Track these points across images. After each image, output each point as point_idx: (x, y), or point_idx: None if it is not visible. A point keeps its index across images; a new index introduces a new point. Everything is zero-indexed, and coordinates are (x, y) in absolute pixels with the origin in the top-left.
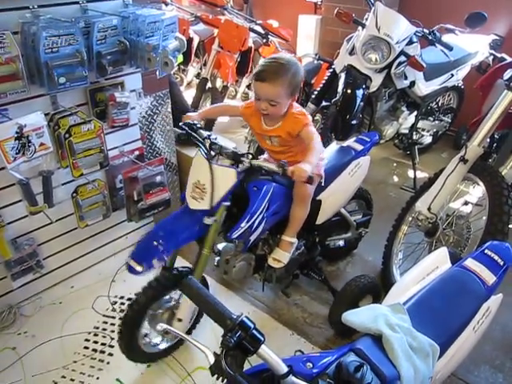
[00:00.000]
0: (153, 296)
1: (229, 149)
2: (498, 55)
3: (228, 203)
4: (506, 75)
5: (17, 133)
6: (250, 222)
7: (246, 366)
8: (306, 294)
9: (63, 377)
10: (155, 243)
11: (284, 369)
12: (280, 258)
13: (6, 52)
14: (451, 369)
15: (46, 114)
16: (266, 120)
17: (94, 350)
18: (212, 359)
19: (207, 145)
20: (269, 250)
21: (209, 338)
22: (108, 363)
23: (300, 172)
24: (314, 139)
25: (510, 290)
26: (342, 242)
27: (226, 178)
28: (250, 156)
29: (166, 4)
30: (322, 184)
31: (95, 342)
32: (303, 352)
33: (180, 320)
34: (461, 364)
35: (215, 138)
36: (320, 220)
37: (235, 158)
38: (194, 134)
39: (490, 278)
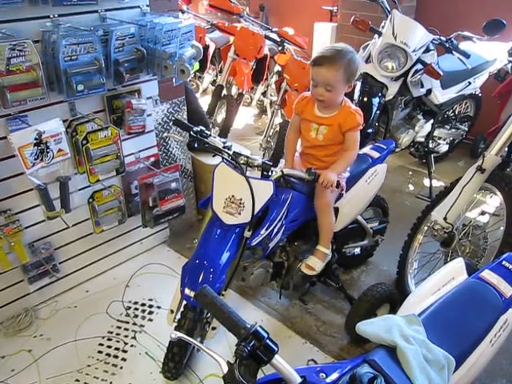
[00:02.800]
0: (201, 310)
1: (256, 159)
2: None
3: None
4: None
5: (36, 139)
6: (269, 230)
7: (259, 375)
8: (320, 303)
9: (77, 380)
10: (207, 270)
11: (297, 379)
12: (313, 264)
13: (26, 60)
14: (467, 382)
15: (64, 121)
16: (321, 108)
17: (108, 355)
18: (225, 368)
19: (228, 155)
20: (286, 257)
21: (223, 347)
22: (121, 368)
23: (327, 182)
24: (355, 149)
25: None
26: (358, 250)
27: (265, 190)
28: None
29: (183, 12)
30: (343, 195)
31: (109, 347)
32: (316, 361)
33: (214, 328)
34: (477, 377)
35: (230, 146)
36: (337, 227)
37: (266, 168)
38: (208, 142)
39: (507, 290)
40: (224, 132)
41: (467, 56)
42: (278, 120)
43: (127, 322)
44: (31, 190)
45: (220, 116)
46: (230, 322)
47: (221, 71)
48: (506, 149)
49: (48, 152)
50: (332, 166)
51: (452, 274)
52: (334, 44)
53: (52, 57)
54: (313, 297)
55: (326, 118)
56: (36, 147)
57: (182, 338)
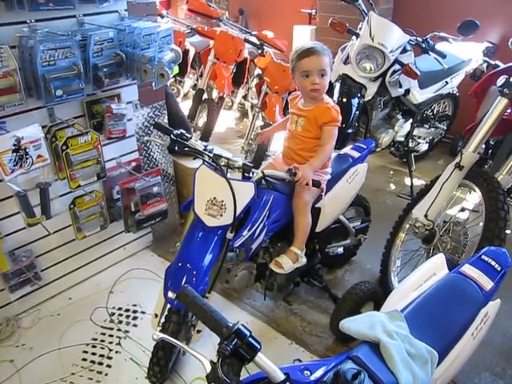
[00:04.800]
0: (185, 313)
1: (237, 161)
2: (492, 62)
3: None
4: (500, 82)
5: (14, 145)
6: (251, 231)
7: (245, 375)
8: (305, 303)
9: None
10: (190, 273)
11: (281, 376)
12: (282, 262)
13: (3, 66)
14: (450, 375)
15: (43, 127)
16: (305, 101)
17: (92, 362)
18: (209, 367)
19: (208, 157)
20: (270, 259)
21: (208, 350)
22: (106, 375)
23: (303, 179)
24: (330, 143)
25: (508, 295)
26: (341, 249)
27: (245, 191)
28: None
29: (162, 17)
30: (322, 197)
31: (93, 354)
32: (301, 361)
33: (199, 331)
34: (461, 371)
35: (212, 149)
36: (320, 227)
37: (246, 170)
38: (189, 145)
39: (487, 283)
40: (206, 136)
41: (443, 56)
42: (259, 123)
43: (111, 329)
44: (11, 196)
45: (201, 120)
46: (212, 321)
47: (201, 75)
48: (483, 146)
49: (27, 158)
50: (308, 162)
51: (433, 270)
52: (308, 42)
53: (30, 62)
54: (297, 297)
55: (304, 110)
56: (15, 153)
57: (164, 339)
